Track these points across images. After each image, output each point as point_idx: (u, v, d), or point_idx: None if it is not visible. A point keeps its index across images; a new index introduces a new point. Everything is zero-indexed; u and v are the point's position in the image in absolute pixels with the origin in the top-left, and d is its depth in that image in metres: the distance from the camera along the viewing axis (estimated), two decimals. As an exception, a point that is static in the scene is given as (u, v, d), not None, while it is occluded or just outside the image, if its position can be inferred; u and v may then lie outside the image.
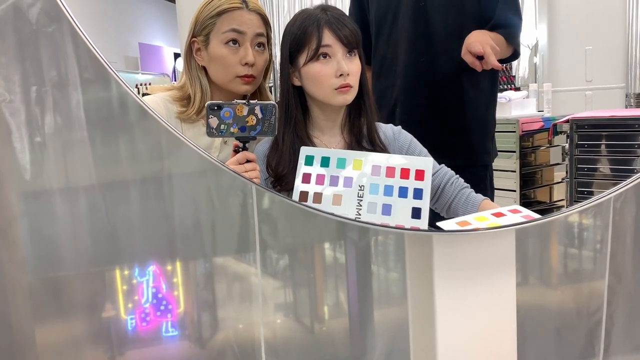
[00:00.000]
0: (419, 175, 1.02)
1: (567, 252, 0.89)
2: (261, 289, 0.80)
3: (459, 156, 1.49)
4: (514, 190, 2.75)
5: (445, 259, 0.67)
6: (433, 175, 1.15)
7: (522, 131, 2.71)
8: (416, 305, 0.75)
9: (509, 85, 3.35)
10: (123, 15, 6.86)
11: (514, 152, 2.76)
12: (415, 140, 1.24)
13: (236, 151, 1.04)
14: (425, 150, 1.23)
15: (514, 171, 2.75)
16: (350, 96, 1.15)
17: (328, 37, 1.12)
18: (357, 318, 0.83)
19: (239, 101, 0.99)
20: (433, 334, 0.68)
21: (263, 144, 1.23)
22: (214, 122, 0.98)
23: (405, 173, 1.03)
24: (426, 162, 1.03)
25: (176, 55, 7.39)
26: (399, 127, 1.26)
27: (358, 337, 0.83)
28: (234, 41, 1.23)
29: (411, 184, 1.02)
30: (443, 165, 1.22)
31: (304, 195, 1.02)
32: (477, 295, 0.69)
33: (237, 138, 1.03)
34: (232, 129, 1.01)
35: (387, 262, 0.85)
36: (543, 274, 0.87)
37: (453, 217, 1.18)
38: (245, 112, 1.00)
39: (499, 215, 0.83)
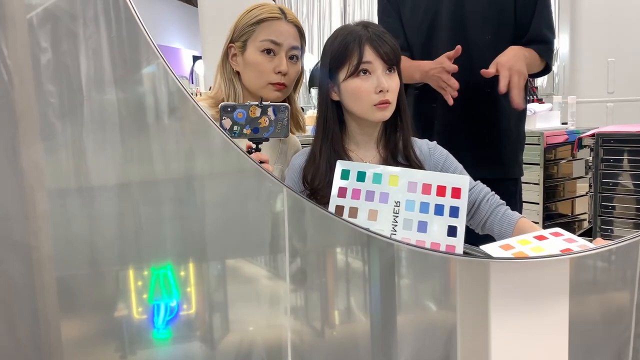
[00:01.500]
0: (456, 193, 1.02)
1: (599, 270, 0.89)
2: (288, 296, 0.80)
3: (491, 169, 1.49)
4: (537, 203, 2.74)
5: (502, 286, 0.68)
6: (469, 192, 1.16)
7: (547, 144, 2.71)
8: (465, 325, 0.75)
9: (531, 97, 3.35)
10: (141, 17, 6.88)
11: (538, 164, 2.75)
12: (450, 156, 1.25)
13: (249, 152, 1.04)
14: (460, 167, 1.23)
15: (537, 184, 2.75)
16: (388, 112, 1.16)
17: (369, 54, 1.13)
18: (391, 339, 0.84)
19: (252, 102, 1.00)
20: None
21: (299, 157, 1.24)
22: (227, 123, 0.99)
23: (441, 190, 1.02)
24: (463, 180, 1.03)
25: (195, 58, 7.43)
26: (434, 142, 1.26)
27: (399, 343, 0.83)
28: (269, 51, 1.25)
29: (447, 201, 1.02)
30: (479, 182, 1.22)
31: (339, 209, 1.02)
32: (531, 321, 0.70)
33: (250, 139, 1.03)
34: (245, 130, 1.01)
35: (435, 284, 0.85)
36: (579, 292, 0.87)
37: (487, 233, 1.20)
38: (258, 114, 1.00)
39: (541, 238, 0.82)
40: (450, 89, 1.40)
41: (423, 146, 1.24)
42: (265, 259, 0.82)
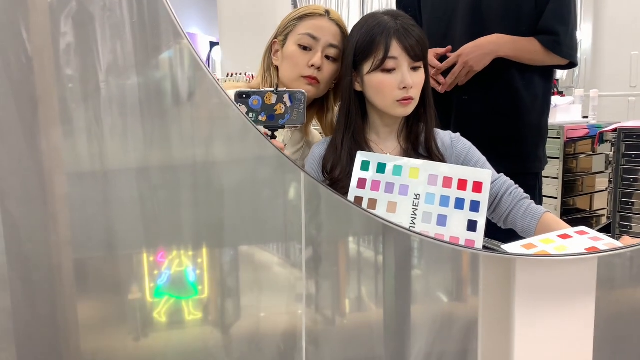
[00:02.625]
0: (477, 187, 1.00)
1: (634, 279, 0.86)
2: (305, 284, 0.80)
3: (511, 163, 1.47)
4: (555, 198, 2.70)
5: (526, 284, 0.66)
6: (491, 184, 1.14)
7: (567, 138, 2.66)
8: (487, 321, 0.74)
9: (553, 90, 3.29)
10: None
11: (557, 158, 2.71)
12: (474, 148, 1.22)
13: None
14: (483, 159, 1.21)
15: (556, 178, 2.71)
16: (410, 108, 1.14)
17: (395, 49, 1.11)
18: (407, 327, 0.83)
19: (267, 89, 0.99)
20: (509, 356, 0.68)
21: (319, 146, 1.23)
22: (242, 110, 0.98)
23: (462, 184, 1.01)
24: (485, 174, 1.01)
25: (212, 44, 7.41)
26: (458, 134, 1.24)
27: (412, 333, 0.82)
28: (307, 46, 1.25)
29: (468, 195, 1.00)
30: (502, 174, 1.19)
31: (358, 200, 1.01)
32: (557, 320, 0.68)
33: (265, 127, 1.01)
34: (260, 117, 1.00)
35: (459, 277, 0.84)
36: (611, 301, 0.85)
37: (510, 228, 1.17)
38: (273, 101, 0.99)
39: (565, 237, 0.80)
40: (436, 85, 1.45)
41: (445, 138, 1.22)
42: (282, 246, 0.81)
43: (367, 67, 1.13)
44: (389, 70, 1.11)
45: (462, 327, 0.81)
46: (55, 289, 0.74)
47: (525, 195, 1.17)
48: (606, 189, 2.63)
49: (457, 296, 0.83)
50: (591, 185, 2.95)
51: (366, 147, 1.17)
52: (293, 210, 0.77)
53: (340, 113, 1.20)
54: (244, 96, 0.98)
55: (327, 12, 1.28)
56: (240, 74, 3.68)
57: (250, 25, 4.26)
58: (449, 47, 1.44)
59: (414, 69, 1.13)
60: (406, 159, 1.05)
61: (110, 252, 0.76)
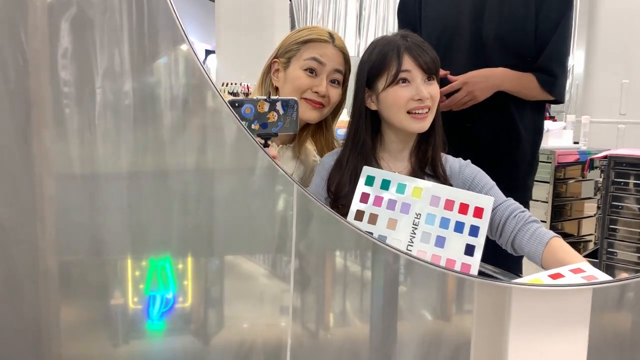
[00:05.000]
0: (478, 212, 1.01)
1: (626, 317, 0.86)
2: (292, 299, 0.79)
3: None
4: (544, 221, 2.72)
5: (522, 312, 0.66)
6: (495, 208, 1.12)
7: (558, 162, 2.69)
8: (481, 345, 0.74)
9: (546, 114, 3.32)
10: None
11: (547, 182, 2.73)
12: (481, 173, 1.20)
13: None
14: (491, 184, 1.18)
15: (546, 202, 2.72)
16: (427, 123, 1.15)
17: (408, 63, 1.13)
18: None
19: (260, 97, 0.99)
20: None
21: (330, 156, 1.23)
22: (239, 119, 0.98)
23: (464, 208, 1.01)
24: (487, 200, 1.02)
25: (207, 52, 7.41)
26: (468, 160, 1.24)
27: (398, 350, 0.82)
28: (312, 70, 1.26)
29: (469, 220, 1.00)
30: (510, 198, 1.17)
31: (360, 214, 1.02)
32: (549, 347, 0.68)
33: (258, 135, 1.01)
34: (253, 126, 0.99)
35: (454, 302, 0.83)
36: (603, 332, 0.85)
37: (520, 254, 1.15)
38: (266, 109, 0.99)
39: (556, 276, 0.78)
40: None
41: (454, 164, 1.22)
42: (268, 257, 0.81)
43: (381, 84, 1.14)
44: (404, 84, 1.13)
45: (452, 348, 0.81)
46: (39, 292, 0.74)
47: (534, 219, 1.13)
48: (594, 214, 2.65)
49: (446, 317, 0.83)
50: (580, 210, 2.97)
51: (375, 164, 1.17)
52: (283, 222, 0.77)
53: (349, 132, 1.20)
54: (237, 105, 0.98)
55: (332, 38, 1.29)
56: (236, 83, 3.68)
57: (247, 35, 4.26)
58: (447, 71, 1.44)
59: (428, 82, 1.14)
60: (411, 178, 1.05)
61: (96, 257, 0.75)
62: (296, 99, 1.02)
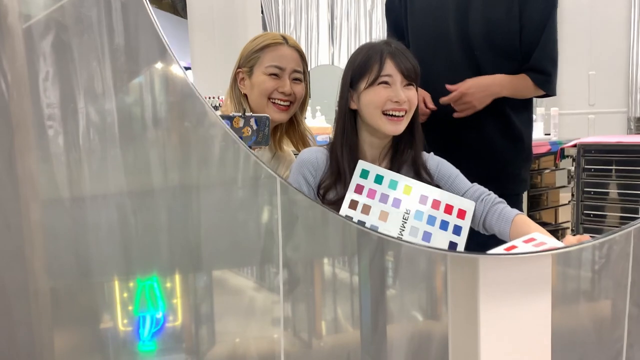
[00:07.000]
0: (461, 214, 1.10)
1: (589, 280, 0.93)
2: (283, 307, 0.82)
3: (498, 183, 1.50)
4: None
5: (489, 281, 0.72)
6: (463, 194, 1.21)
7: (531, 154, 2.76)
8: (456, 321, 0.79)
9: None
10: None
11: (522, 174, 2.80)
12: (443, 163, 1.28)
13: None
14: (455, 172, 1.26)
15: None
16: (401, 127, 1.22)
17: (389, 67, 1.20)
18: (376, 333, 0.86)
19: (235, 114, 1.06)
20: (476, 351, 0.73)
21: (309, 152, 1.28)
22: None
23: (449, 209, 1.10)
24: (469, 204, 1.12)
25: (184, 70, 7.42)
26: (431, 153, 1.30)
27: (389, 352, 0.86)
28: (274, 73, 1.38)
29: (453, 219, 1.10)
30: (475, 184, 1.25)
31: (354, 203, 1.09)
32: (517, 312, 0.74)
33: None
34: None
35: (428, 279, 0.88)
36: (568, 300, 0.91)
37: (491, 233, 1.22)
38: (241, 124, 1.06)
39: (511, 248, 0.84)
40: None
41: (430, 161, 1.29)
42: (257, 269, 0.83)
43: (363, 84, 1.22)
44: (384, 85, 1.20)
45: (438, 342, 0.85)
46: (31, 317, 0.74)
47: (500, 200, 1.21)
48: (569, 202, 2.73)
49: (432, 313, 0.88)
50: (555, 200, 3.05)
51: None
52: (269, 231, 0.79)
53: (337, 131, 1.27)
54: None
55: (285, 40, 1.41)
56: (214, 97, 3.72)
57: (221, 50, 4.31)
58: (454, 86, 1.49)
59: (407, 87, 1.21)
60: (403, 177, 1.13)
61: (85, 279, 0.76)
62: (268, 115, 1.10)
